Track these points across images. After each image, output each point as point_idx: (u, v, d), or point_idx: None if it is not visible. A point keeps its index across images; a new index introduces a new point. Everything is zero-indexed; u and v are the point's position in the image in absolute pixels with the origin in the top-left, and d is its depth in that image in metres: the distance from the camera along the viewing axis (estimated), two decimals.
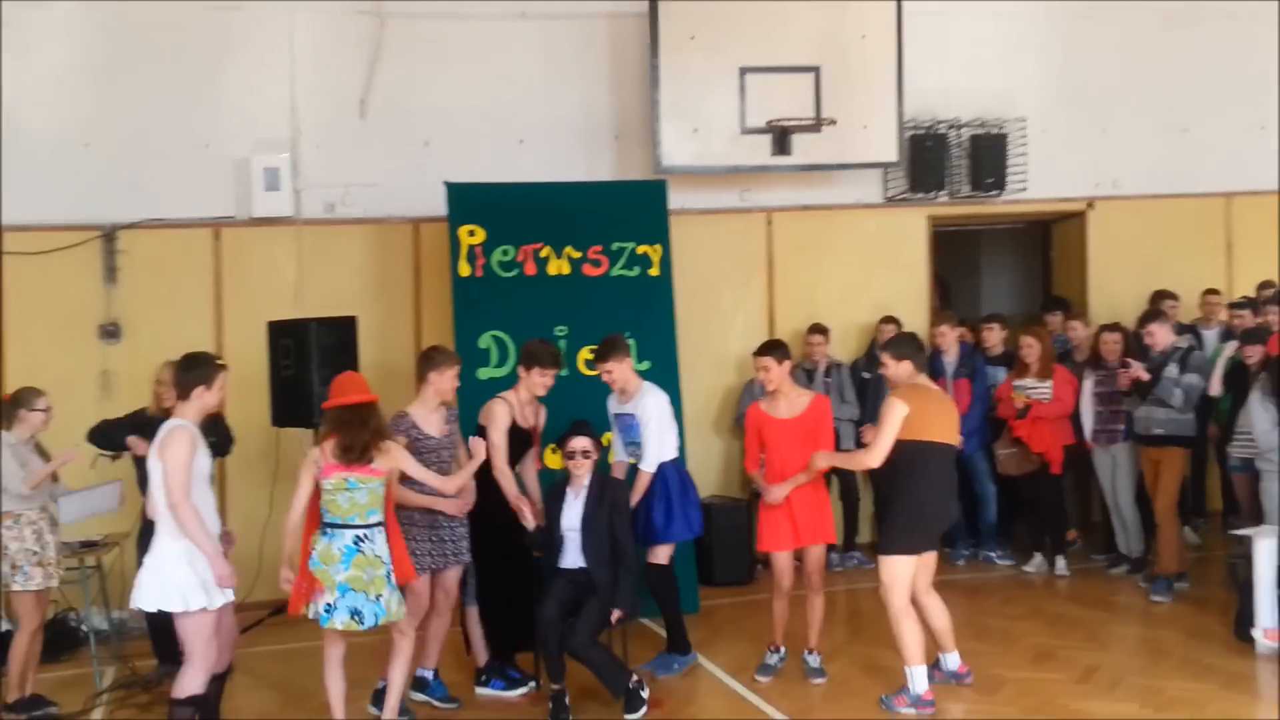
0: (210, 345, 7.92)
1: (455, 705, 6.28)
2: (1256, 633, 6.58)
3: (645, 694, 5.99)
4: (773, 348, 6.52)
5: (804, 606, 6.53)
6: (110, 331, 8.29)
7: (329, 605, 5.29)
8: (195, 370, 5.30)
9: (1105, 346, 8.23)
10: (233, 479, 8.19)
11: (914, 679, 5.90)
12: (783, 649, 6.60)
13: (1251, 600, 6.65)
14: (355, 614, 5.29)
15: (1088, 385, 8.36)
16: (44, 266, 8.16)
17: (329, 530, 5.36)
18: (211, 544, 5.11)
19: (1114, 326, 8.41)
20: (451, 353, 6.37)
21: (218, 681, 5.59)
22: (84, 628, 7.01)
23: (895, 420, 5.87)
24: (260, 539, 7.62)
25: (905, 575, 5.91)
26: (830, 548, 9.12)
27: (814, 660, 6.52)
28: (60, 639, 7.07)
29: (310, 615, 5.36)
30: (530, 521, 6.23)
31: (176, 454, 5.09)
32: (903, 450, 5.89)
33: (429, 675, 6.35)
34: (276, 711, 6.33)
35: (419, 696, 6.28)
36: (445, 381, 6.19)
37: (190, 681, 5.18)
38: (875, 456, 5.92)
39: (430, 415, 6.15)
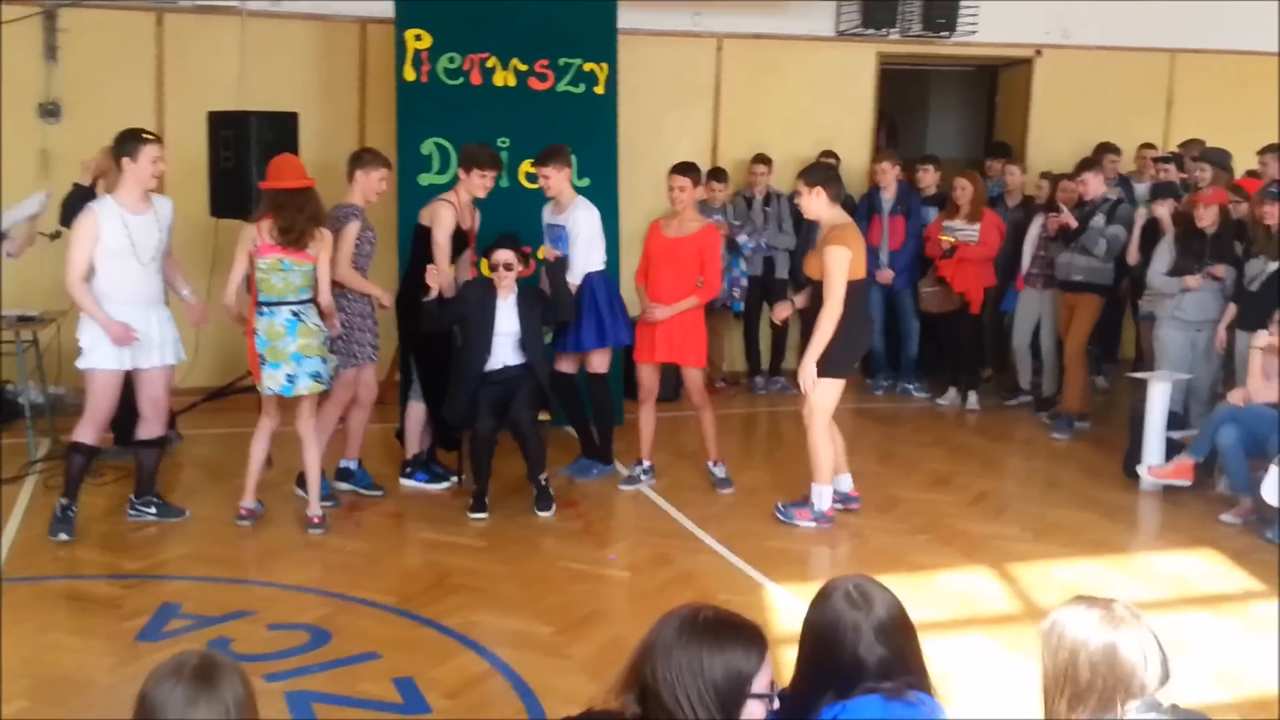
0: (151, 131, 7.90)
1: (380, 493, 6.60)
2: (1142, 469, 7.02)
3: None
4: (689, 168, 6.75)
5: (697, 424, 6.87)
6: (50, 110, 8.24)
7: (290, 375, 5.71)
8: (122, 144, 5.69)
9: (1063, 194, 8.37)
10: None
11: (820, 495, 6.28)
12: (646, 463, 6.90)
13: (1141, 439, 7.09)
14: (317, 377, 5.82)
15: (1034, 229, 8.60)
16: None
17: (266, 309, 5.71)
18: (100, 312, 5.60)
19: (1054, 176, 8.65)
20: (380, 155, 6.55)
21: (153, 449, 6.02)
22: (20, 400, 7.21)
23: (844, 268, 5.97)
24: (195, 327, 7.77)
25: (834, 399, 6.22)
26: (755, 372, 9.54)
27: (719, 471, 6.86)
28: None
29: (272, 390, 5.77)
30: (434, 289, 6.29)
31: (76, 232, 5.67)
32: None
33: (353, 465, 6.64)
34: (200, 486, 6.65)
35: (344, 486, 6.57)
36: (371, 183, 6.38)
37: (81, 430, 5.81)
38: (833, 311, 5.98)
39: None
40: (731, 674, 2.14)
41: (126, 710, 2.14)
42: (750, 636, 2.19)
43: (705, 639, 2.15)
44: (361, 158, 6.47)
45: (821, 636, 2.39)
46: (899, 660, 2.37)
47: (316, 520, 5.97)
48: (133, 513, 6.09)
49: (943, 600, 5.33)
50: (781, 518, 6.32)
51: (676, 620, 2.19)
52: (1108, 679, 2.28)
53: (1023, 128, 10.43)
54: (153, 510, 6.10)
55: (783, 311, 6.80)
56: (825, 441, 6.25)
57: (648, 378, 6.87)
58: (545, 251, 6.72)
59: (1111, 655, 2.30)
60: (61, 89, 8.27)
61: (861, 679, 2.32)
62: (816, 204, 6.14)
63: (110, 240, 5.65)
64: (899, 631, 2.39)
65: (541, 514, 6.29)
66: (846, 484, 6.61)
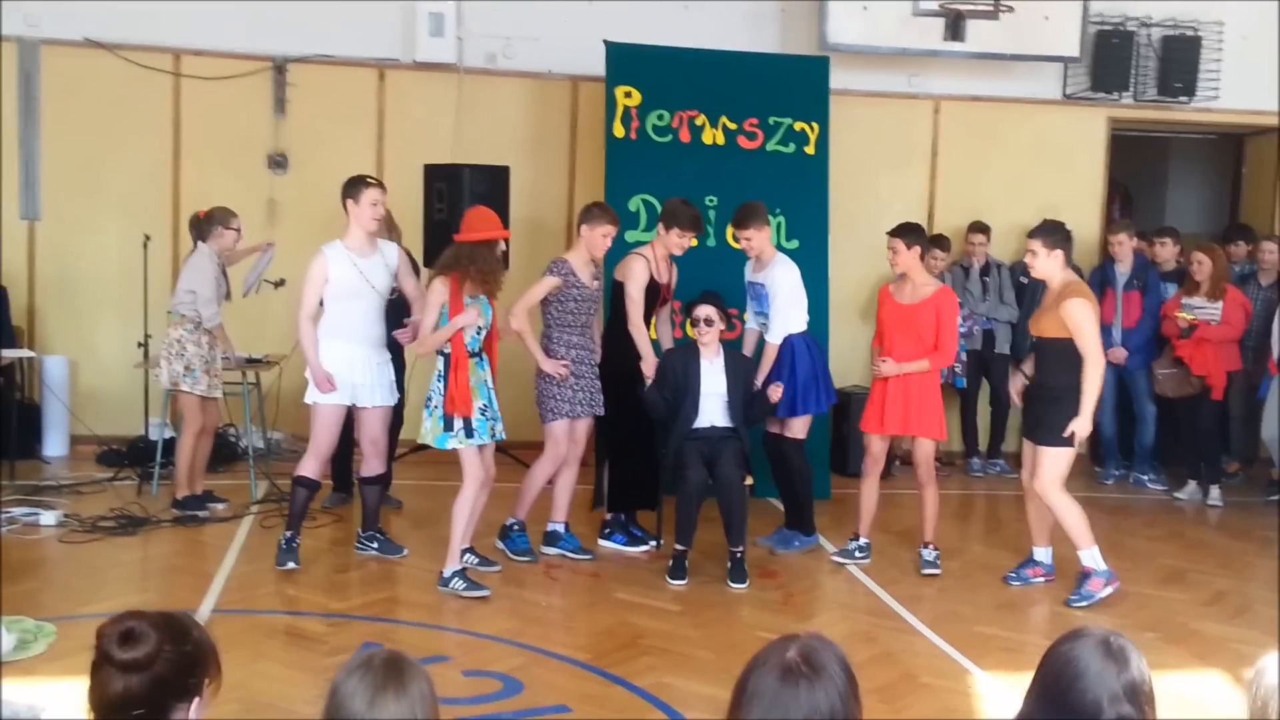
0: None
1: (589, 557, 6.73)
2: None
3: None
4: (905, 231, 6.74)
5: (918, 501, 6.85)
6: (278, 162, 8.94)
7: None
8: (347, 188, 6.23)
9: None
10: None
11: (1095, 559, 6.28)
12: (863, 539, 6.87)
13: None
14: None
15: None
16: (218, 93, 8.83)
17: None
18: (314, 354, 6.13)
19: None
20: (610, 211, 6.73)
21: (374, 485, 6.54)
22: (242, 443, 7.76)
23: (1094, 320, 6.13)
24: (408, 379, 8.21)
25: (1068, 466, 6.26)
26: (972, 453, 9.41)
27: (928, 554, 6.76)
28: (218, 451, 7.88)
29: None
30: (650, 370, 6.59)
31: (308, 274, 6.15)
32: (1072, 351, 6.12)
33: (560, 529, 6.76)
34: (404, 535, 6.97)
35: (552, 551, 6.73)
36: (595, 237, 6.55)
37: (305, 464, 6.29)
38: (1098, 363, 6.11)
39: (584, 267, 6.58)
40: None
41: None
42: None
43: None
44: (590, 211, 6.66)
45: (1062, 674, 2.35)
46: None
47: (446, 575, 6.08)
48: (359, 546, 6.62)
49: (1170, 704, 5.12)
50: (1081, 603, 6.24)
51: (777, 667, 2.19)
52: None
53: (1272, 201, 10.08)
54: (375, 545, 6.58)
55: (1016, 384, 6.77)
56: (1070, 504, 6.27)
57: (876, 449, 6.82)
58: (772, 392, 6.68)
59: None
60: (288, 141, 8.96)
61: None
62: (1052, 266, 6.21)
63: (338, 281, 6.14)
64: (1146, 700, 2.35)
65: (735, 586, 6.36)
66: (1048, 557, 6.58)
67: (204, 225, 7.23)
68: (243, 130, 8.88)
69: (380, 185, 6.32)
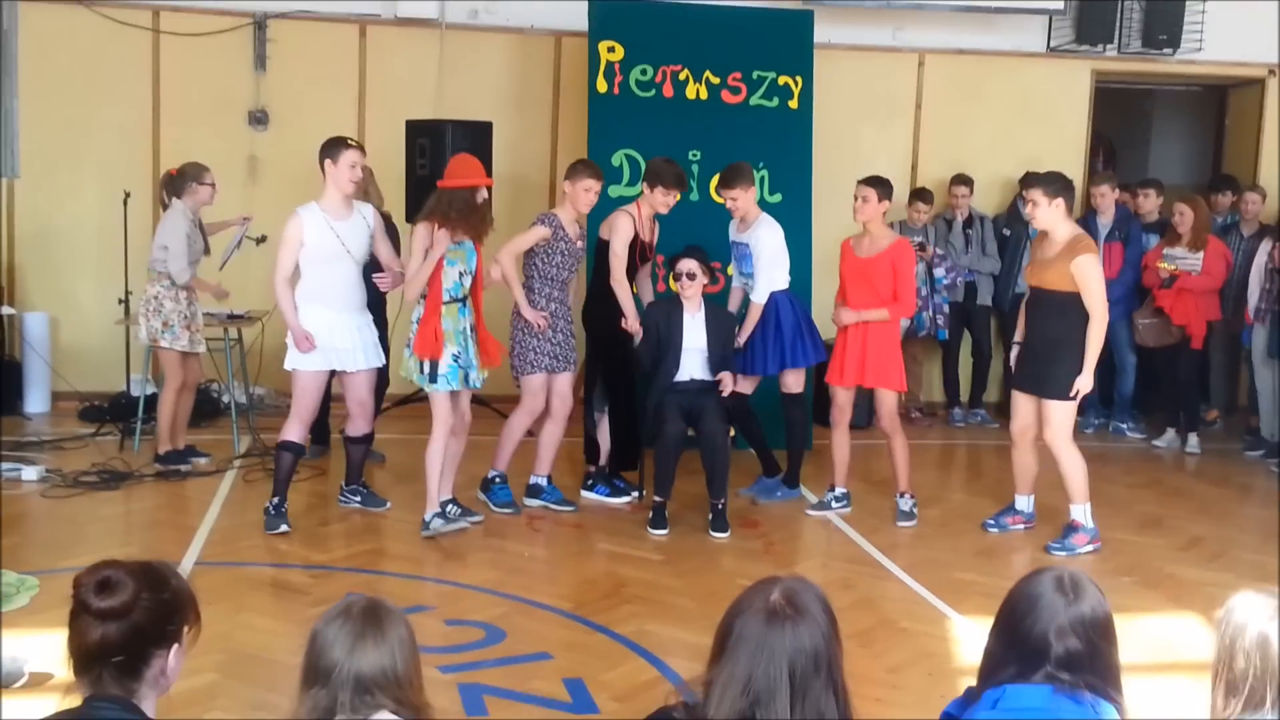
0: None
1: (572, 509, 6.80)
2: None
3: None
4: (878, 181, 6.75)
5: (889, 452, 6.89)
6: (259, 118, 8.92)
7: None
8: (325, 149, 6.19)
9: None
10: None
11: (1086, 515, 6.40)
12: (839, 489, 6.95)
13: None
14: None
15: (1260, 258, 8.39)
16: (198, 49, 8.79)
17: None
18: (293, 316, 6.10)
19: None
20: (594, 166, 6.77)
21: (360, 444, 6.62)
22: (224, 398, 7.80)
23: (1102, 278, 6.24)
24: (390, 335, 8.24)
25: (1073, 418, 6.38)
26: (954, 403, 9.49)
27: (905, 504, 6.82)
28: (201, 406, 7.91)
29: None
30: (635, 329, 6.66)
31: (283, 237, 6.12)
32: (1075, 305, 6.18)
33: (543, 481, 6.83)
34: (387, 489, 7.03)
35: (535, 503, 6.79)
36: (578, 192, 6.60)
37: (288, 428, 6.31)
38: (1104, 320, 6.23)
39: (571, 223, 6.64)
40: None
41: None
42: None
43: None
44: (574, 167, 6.70)
45: (1016, 608, 2.42)
46: (1089, 659, 2.38)
47: (426, 519, 6.22)
48: (342, 499, 6.73)
49: (1144, 645, 5.23)
50: (1060, 552, 6.33)
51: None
52: (1259, 672, 2.26)
53: (1254, 154, 10.12)
54: (358, 499, 6.67)
55: (1015, 353, 6.67)
56: (1078, 458, 6.37)
57: (841, 399, 6.91)
58: (725, 382, 6.70)
59: (1265, 647, 2.28)
60: (269, 98, 8.94)
61: (1043, 664, 2.37)
62: (1054, 216, 6.21)
63: (314, 245, 6.13)
64: (1098, 632, 2.39)
65: (716, 535, 6.43)
66: (1030, 505, 6.70)
67: (177, 182, 7.24)
68: (223, 87, 8.85)
69: (359, 147, 6.28)
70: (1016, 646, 2.40)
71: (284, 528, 6.20)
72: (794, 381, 7.06)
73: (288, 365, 6.26)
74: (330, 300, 6.20)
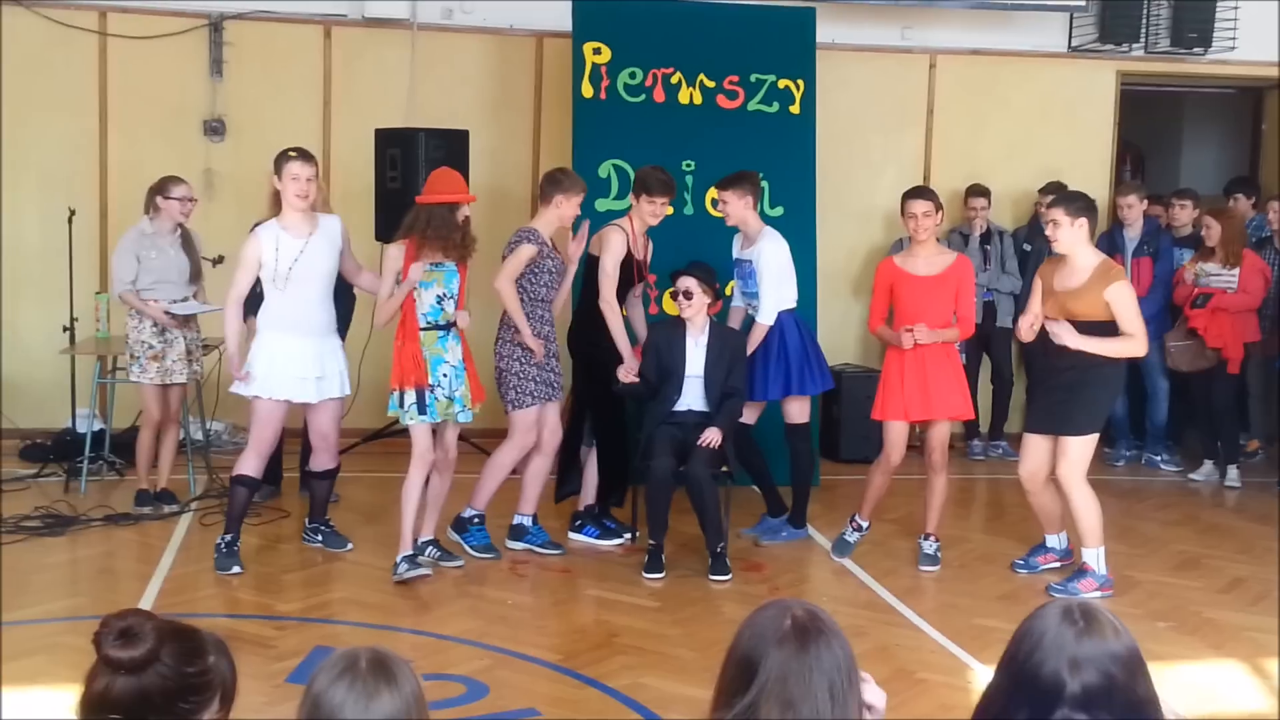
0: (316, 150, 8.42)
1: (559, 552, 6.77)
2: None
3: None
4: (928, 193, 6.73)
5: (923, 488, 6.89)
6: (215, 128, 8.92)
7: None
8: (274, 164, 6.25)
9: None
10: None
11: (1100, 561, 6.37)
12: (865, 525, 6.91)
13: None
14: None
15: None
16: (148, 54, 8.79)
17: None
18: (233, 340, 6.18)
19: None
20: (580, 179, 6.80)
21: (325, 480, 6.65)
22: (180, 434, 7.77)
23: (1138, 305, 6.25)
24: (357, 362, 8.22)
25: (1089, 455, 6.34)
26: (973, 434, 9.49)
27: (929, 547, 6.78)
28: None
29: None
30: (626, 373, 6.64)
31: (240, 256, 6.22)
32: (1105, 330, 6.17)
33: (528, 521, 6.79)
34: (356, 530, 7.02)
35: (518, 545, 6.76)
36: (570, 208, 6.61)
37: (243, 461, 6.34)
38: (1142, 344, 6.23)
39: (551, 238, 6.65)
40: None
41: None
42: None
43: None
44: (561, 180, 6.66)
45: (1022, 645, 2.36)
46: (1109, 696, 2.30)
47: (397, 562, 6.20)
48: (305, 537, 6.75)
49: (1185, 695, 5.23)
50: (1061, 595, 6.30)
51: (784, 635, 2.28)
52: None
53: None
54: (320, 538, 6.68)
55: (1026, 320, 6.40)
56: (1091, 498, 6.33)
57: (896, 436, 6.72)
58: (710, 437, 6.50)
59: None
60: (226, 106, 8.95)
61: (1059, 704, 2.30)
62: (1077, 237, 6.20)
63: (274, 265, 6.17)
64: (1118, 664, 2.32)
65: (716, 580, 6.40)
66: (1063, 542, 6.69)
67: (147, 196, 7.26)
68: (176, 94, 8.84)
69: (304, 157, 6.26)
70: (1026, 688, 2.35)
71: (236, 569, 6.20)
72: (799, 411, 7.05)
73: (247, 393, 6.26)
74: (293, 325, 6.21)
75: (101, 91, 8.84)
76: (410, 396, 6.08)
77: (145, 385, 7.14)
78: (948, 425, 6.78)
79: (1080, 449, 6.28)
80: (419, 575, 6.18)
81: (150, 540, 6.80)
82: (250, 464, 6.32)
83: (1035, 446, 6.47)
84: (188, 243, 7.29)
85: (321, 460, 6.59)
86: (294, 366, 6.22)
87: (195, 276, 7.32)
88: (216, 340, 7.87)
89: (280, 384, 6.20)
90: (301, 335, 6.23)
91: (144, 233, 7.17)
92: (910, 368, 6.59)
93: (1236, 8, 9.66)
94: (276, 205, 6.34)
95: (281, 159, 6.23)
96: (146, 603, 5.79)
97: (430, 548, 6.39)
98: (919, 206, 6.58)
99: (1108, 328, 6.17)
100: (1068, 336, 6.16)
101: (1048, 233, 6.46)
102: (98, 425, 7.78)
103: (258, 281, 6.28)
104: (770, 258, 6.85)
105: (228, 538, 6.30)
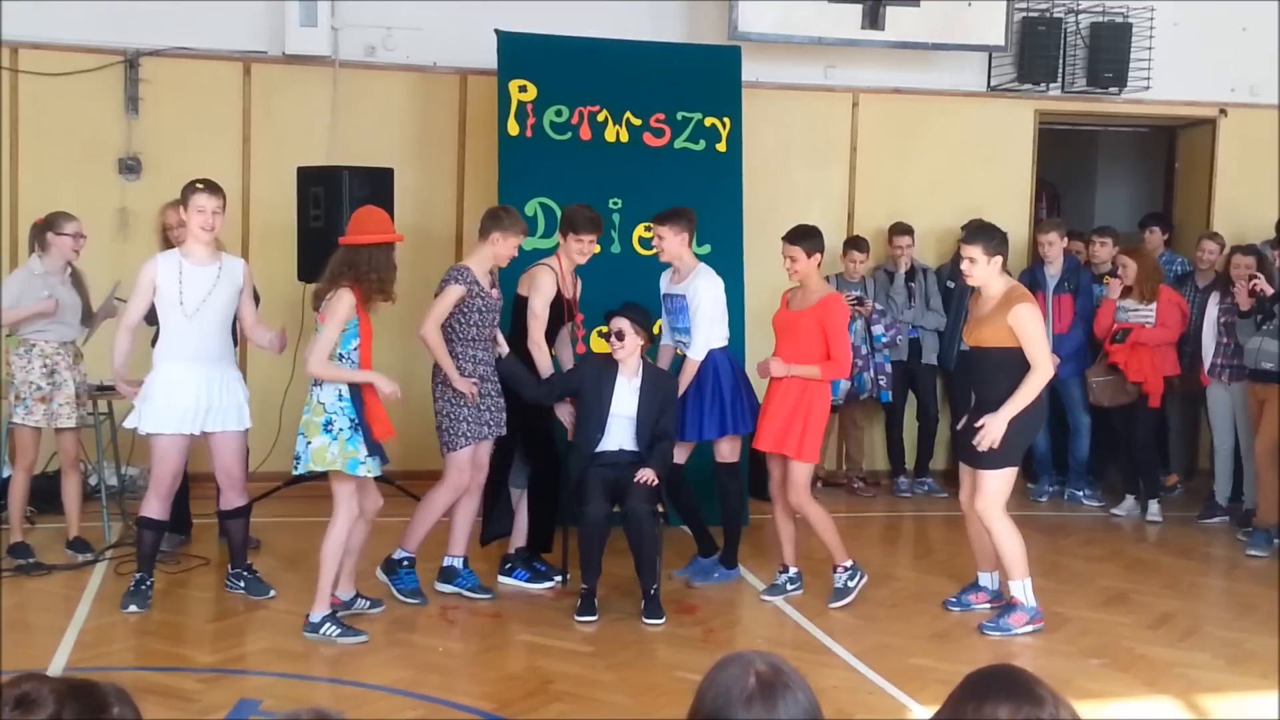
0: (236, 189, 8.35)
1: (489, 596, 6.65)
2: None
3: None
4: (803, 236, 6.70)
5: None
6: (130, 166, 8.74)
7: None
8: (181, 195, 6.23)
9: (1236, 270, 8.33)
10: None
11: (1027, 593, 6.37)
12: (791, 569, 6.86)
13: None
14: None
15: (1211, 311, 8.55)
16: (61, 90, 8.60)
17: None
18: (120, 360, 6.14)
19: (1249, 249, 8.58)
20: (522, 220, 6.77)
21: (238, 518, 6.51)
22: (93, 479, 7.55)
23: (1043, 328, 6.33)
24: (280, 404, 8.07)
25: (1009, 488, 6.37)
26: (900, 472, 9.51)
27: (838, 578, 6.72)
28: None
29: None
30: (568, 423, 6.64)
31: (136, 281, 6.20)
32: (1020, 361, 6.20)
33: (458, 564, 6.67)
34: (278, 577, 6.85)
35: (447, 588, 6.63)
36: (508, 248, 6.54)
37: (147, 504, 6.28)
38: (1046, 373, 6.24)
39: (485, 275, 6.55)
40: None
41: None
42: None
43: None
44: (501, 218, 6.57)
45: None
46: None
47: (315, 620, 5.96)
48: (228, 583, 6.62)
49: None
50: (995, 633, 6.32)
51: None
52: None
53: (1207, 196, 10.40)
54: (242, 584, 6.54)
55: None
56: (1012, 531, 6.35)
57: (776, 471, 6.81)
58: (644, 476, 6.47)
59: None
60: (142, 143, 8.77)
61: None
62: (991, 273, 6.28)
63: (168, 292, 6.12)
64: None
65: (650, 623, 6.34)
66: (994, 583, 6.69)
67: (34, 234, 7.09)
68: (90, 132, 8.65)
69: (211, 189, 6.21)
70: None
71: (134, 607, 6.14)
72: (729, 450, 7.02)
73: (143, 429, 6.15)
74: (191, 355, 6.15)
75: (12, 129, 8.61)
76: (364, 447, 5.85)
77: (25, 427, 6.92)
78: (802, 467, 6.64)
79: (996, 483, 6.31)
80: (354, 641, 5.89)
81: (64, 591, 6.58)
82: (153, 506, 6.22)
83: (965, 475, 6.57)
84: (78, 283, 7.12)
85: (229, 498, 6.45)
86: (183, 398, 6.11)
87: (86, 317, 7.13)
88: (133, 382, 7.66)
89: (170, 417, 6.09)
90: (196, 364, 6.15)
91: (34, 273, 6.96)
92: (778, 400, 6.64)
93: (1150, 48, 9.86)
94: (165, 242, 6.48)
95: (189, 190, 6.20)
96: (61, 657, 5.61)
97: (359, 599, 6.25)
98: (786, 250, 6.66)
99: (1018, 355, 6.21)
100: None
101: (962, 268, 6.48)
102: (6, 471, 7.51)
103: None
104: (705, 294, 6.84)
105: (138, 576, 6.24)
